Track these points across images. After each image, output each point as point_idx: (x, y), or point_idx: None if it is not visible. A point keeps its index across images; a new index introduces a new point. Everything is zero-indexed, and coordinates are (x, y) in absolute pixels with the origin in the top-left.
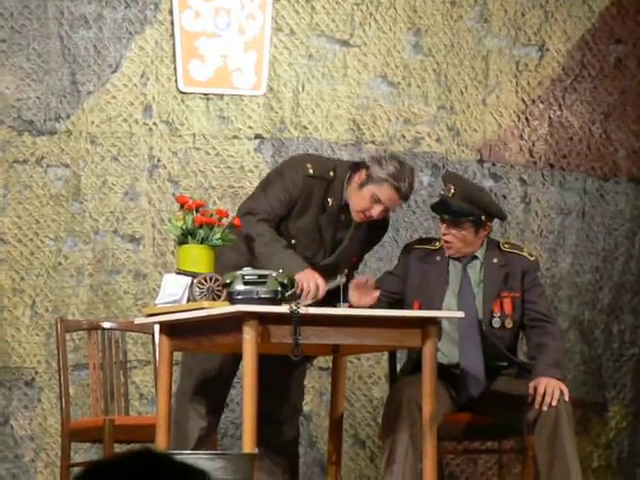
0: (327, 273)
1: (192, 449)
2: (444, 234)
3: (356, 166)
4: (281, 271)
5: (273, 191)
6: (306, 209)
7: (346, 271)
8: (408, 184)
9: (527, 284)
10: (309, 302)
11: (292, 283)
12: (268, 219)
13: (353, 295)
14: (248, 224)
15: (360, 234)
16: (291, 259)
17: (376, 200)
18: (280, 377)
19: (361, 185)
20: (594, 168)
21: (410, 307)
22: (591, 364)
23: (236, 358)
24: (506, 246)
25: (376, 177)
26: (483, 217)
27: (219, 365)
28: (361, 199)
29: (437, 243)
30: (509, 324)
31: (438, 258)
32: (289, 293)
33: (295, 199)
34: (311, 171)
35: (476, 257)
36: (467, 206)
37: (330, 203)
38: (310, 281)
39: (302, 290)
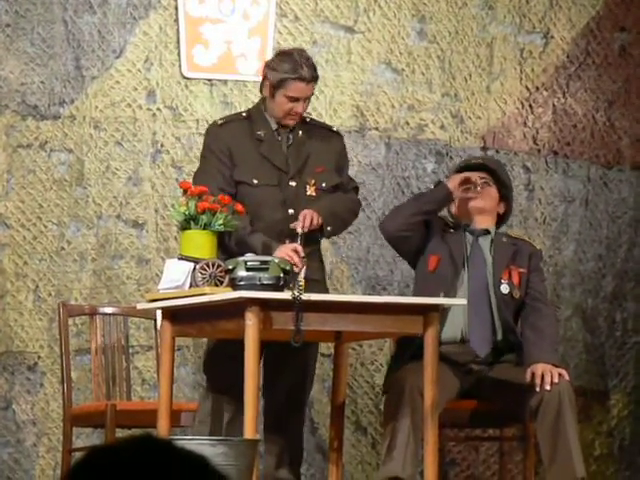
0: (295, 191)
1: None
2: (474, 190)
3: (261, 88)
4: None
5: (210, 166)
6: (242, 151)
7: (313, 182)
8: (307, 67)
9: (532, 266)
10: (302, 270)
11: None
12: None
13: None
14: None
15: (312, 145)
16: (263, 243)
17: (291, 99)
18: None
19: (272, 96)
20: (598, 156)
21: (425, 262)
22: (594, 352)
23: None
24: (512, 234)
25: (278, 81)
26: (504, 192)
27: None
28: (279, 106)
29: (447, 219)
30: (516, 294)
31: (452, 231)
32: (282, 283)
33: (225, 151)
34: (220, 122)
35: (488, 231)
36: (500, 171)
37: (262, 134)
38: (288, 252)
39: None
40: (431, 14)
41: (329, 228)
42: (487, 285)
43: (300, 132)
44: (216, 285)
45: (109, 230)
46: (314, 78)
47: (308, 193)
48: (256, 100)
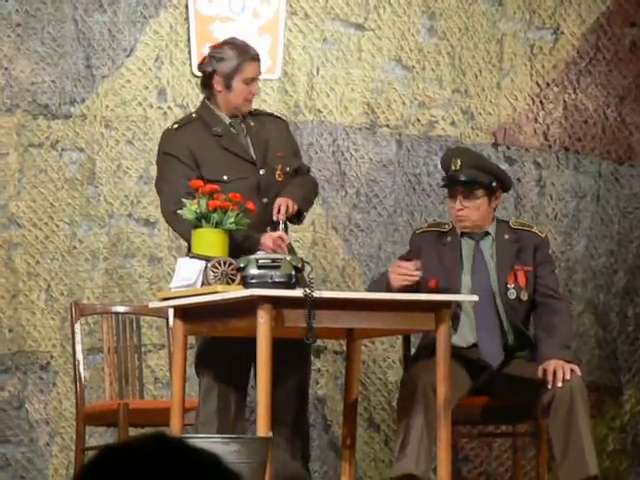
0: (267, 179)
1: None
2: (459, 209)
3: (205, 86)
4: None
5: (172, 172)
6: (205, 150)
7: (280, 167)
8: (251, 48)
9: (539, 259)
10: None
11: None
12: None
13: (394, 278)
14: (183, 226)
15: (265, 133)
16: (244, 236)
17: (249, 80)
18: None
19: (227, 86)
20: (609, 151)
21: (425, 286)
22: (606, 347)
23: (252, 346)
24: (515, 224)
25: (231, 70)
26: (494, 183)
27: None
28: (239, 93)
29: (446, 225)
30: (524, 296)
31: (449, 239)
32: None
33: (187, 154)
34: (175, 126)
35: (488, 233)
36: (477, 173)
37: (219, 130)
38: (276, 241)
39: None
40: (441, 11)
41: (305, 214)
42: (492, 293)
43: (251, 122)
44: (228, 283)
45: (121, 229)
46: (259, 57)
47: (278, 179)
48: (267, 98)
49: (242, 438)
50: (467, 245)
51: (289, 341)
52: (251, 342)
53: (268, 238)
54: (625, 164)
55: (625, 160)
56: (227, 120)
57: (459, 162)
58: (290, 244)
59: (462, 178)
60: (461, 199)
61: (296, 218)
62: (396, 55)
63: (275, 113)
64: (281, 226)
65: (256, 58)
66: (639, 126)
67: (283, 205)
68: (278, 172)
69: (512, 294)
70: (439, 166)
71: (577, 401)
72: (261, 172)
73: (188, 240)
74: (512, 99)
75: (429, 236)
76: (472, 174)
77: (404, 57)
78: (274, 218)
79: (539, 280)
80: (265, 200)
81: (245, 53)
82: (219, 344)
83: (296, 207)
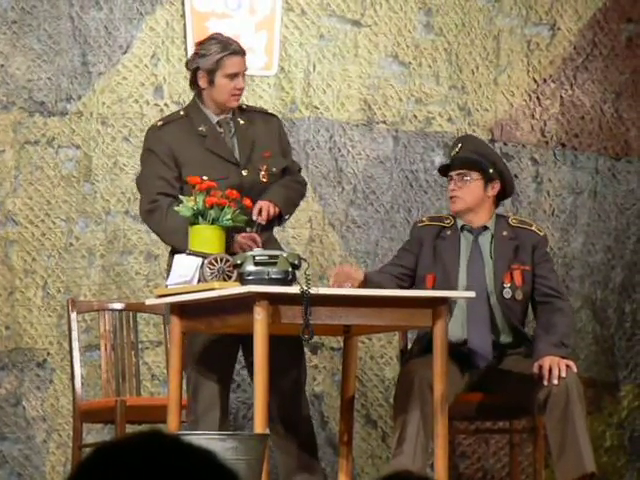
0: (251, 180)
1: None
2: (452, 190)
3: (193, 83)
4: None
5: (150, 170)
6: (187, 150)
7: (265, 167)
8: (234, 42)
9: (537, 258)
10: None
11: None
12: (168, 198)
13: (334, 280)
14: (159, 223)
15: (253, 130)
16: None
17: (232, 76)
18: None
19: (210, 82)
20: (606, 147)
21: (423, 282)
22: (603, 343)
23: (235, 340)
24: (514, 221)
25: (213, 65)
26: (491, 170)
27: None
28: (222, 88)
29: (447, 220)
30: (519, 296)
31: (449, 233)
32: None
33: (169, 153)
34: (159, 123)
35: (487, 227)
36: (475, 156)
37: (204, 129)
38: (248, 242)
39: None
40: (437, 7)
41: (287, 217)
42: (487, 290)
43: (240, 120)
44: (224, 280)
45: (117, 226)
46: (244, 51)
47: (262, 179)
48: (264, 95)
49: (239, 435)
50: (465, 240)
51: (283, 339)
52: (239, 340)
53: (240, 240)
54: (622, 160)
55: (622, 156)
56: (214, 119)
57: (460, 145)
58: (264, 244)
59: (459, 158)
60: (456, 180)
61: (277, 221)
62: (393, 51)
63: (267, 110)
64: (255, 228)
65: (238, 52)
66: (636, 122)
67: (264, 209)
68: (262, 173)
69: (508, 293)
70: (436, 162)
71: (573, 398)
72: (244, 173)
73: (164, 240)
74: (509, 95)
75: (430, 229)
76: (469, 156)
77: (401, 53)
78: (253, 218)
79: (540, 280)
80: (247, 201)
81: (226, 48)
82: (207, 341)
83: (277, 210)
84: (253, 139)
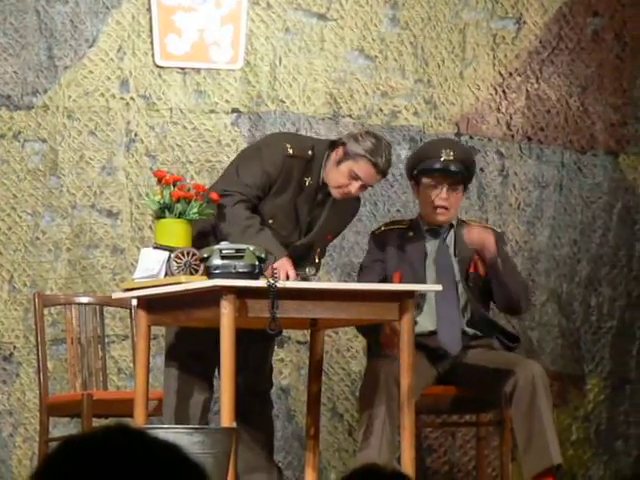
0: (301, 252)
1: (198, 421)
2: (442, 199)
3: (333, 144)
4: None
5: (250, 171)
6: (284, 189)
7: (318, 250)
8: (385, 159)
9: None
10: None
11: (264, 259)
12: (244, 200)
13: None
14: (223, 208)
15: (335, 212)
16: (269, 244)
17: (354, 176)
18: (257, 350)
19: (338, 162)
20: (571, 141)
21: (390, 281)
22: (569, 337)
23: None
24: (473, 223)
25: (353, 153)
26: (469, 182)
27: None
28: (339, 175)
29: (404, 222)
30: (482, 271)
31: (411, 233)
32: (257, 271)
33: (274, 179)
34: (290, 151)
35: (452, 225)
36: (464, 168)
37: (307, 183)
38: (282, 270)
39: (272, 275)
40: (403, 0)
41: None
42: (455, 282)
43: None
44: (191, 274)
45: (84, 220)
46: (384, 173)
47: (313, 255)
48: (230, 89)
49: (206, 429)
50: (431, 237)
51: (251, 332)
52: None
53: (281, 265)
54: (588, 153)
55: (588, 150)
56: (321, 181)
57: (452, 153)
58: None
59: (453, 169)
60: (447, 190)
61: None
62: (359, 45)
63: (358, 195)
64: (304, 274)
65: (377, 166)
66: (602, 116)
67: (282, 272)
68: (316, 249)
69: (471, 282)
70: (402, 156)
71: (539, 391)
72: (301, 240)
73: (234, 240)
74: (475, 89)
75: (390, 234)
76: (461, 168)
77: (367, 47)
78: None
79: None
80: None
81: (372, 154)
82: (186, 336)
83: (296, 276)
84: (327, 217)
